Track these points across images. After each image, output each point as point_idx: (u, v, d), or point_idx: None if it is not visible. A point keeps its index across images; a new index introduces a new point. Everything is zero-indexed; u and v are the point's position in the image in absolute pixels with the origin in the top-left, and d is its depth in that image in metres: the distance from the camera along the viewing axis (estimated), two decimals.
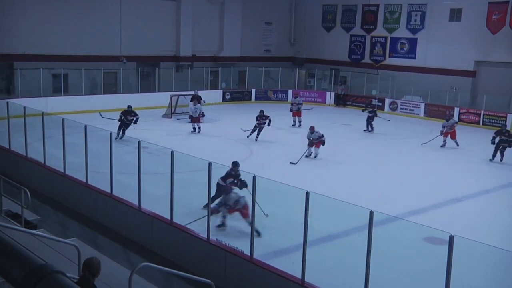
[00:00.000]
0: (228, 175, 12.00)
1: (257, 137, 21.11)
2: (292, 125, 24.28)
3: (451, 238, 6.41)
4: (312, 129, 18.23)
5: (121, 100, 24.64)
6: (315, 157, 17.95)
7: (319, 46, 36.65)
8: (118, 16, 28.86)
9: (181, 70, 31.47)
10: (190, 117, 22.43)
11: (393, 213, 11.06)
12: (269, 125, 20.23)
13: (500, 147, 19.11)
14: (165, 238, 10.65)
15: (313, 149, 18.26)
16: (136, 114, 19.77)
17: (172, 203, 10.11)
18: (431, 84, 30.75)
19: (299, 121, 24.19)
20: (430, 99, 30.27)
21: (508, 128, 22.17)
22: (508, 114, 27.17)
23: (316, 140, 18.06)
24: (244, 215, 10.79)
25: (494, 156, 19.19)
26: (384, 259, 8.95)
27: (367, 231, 7.33)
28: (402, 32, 32.96)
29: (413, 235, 11.32)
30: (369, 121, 24.35)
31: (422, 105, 30.31)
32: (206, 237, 9.57)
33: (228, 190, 11.04)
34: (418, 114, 29.97)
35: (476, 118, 27.76)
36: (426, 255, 10.20)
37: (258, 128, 21.18)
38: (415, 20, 32.09)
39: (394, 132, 24.80)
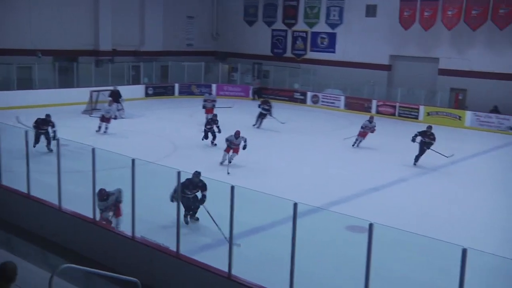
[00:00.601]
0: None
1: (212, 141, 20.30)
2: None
3: (371, 225, 6.65)
4: (237, 134, 17.11)
5: (38, 96, 24.11)
6: (229, 162, 16.65)
7: (242, 40, 37.38)
8: (27, 6, 27.57)
9: (101, 64, 30.88)
10: (102, 115, 21.52)
11: (316, 203, 11.27)
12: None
13: (424, 148, 19.03)
14: (88, 238, 10.39)
15: (230, 154, 17.00)
16: (53, 125, 17.73)
17: (94, 201, 9.91)
18: (350, 77, 31.96)
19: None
20: (350, 92, 31.51)
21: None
22: (421, 106, 29.07)
23: (235, 146, 17.01)
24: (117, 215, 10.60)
25: (417, 159, 18.67)
26: (309, 249, 9.16)
27: (291, 222, 7.48)
28: (321, 27, 34.28)
29: (335, 224, 11.67)
30: (261, 117, 23.79)
31: (342, 98, 31.45)
32: (131, 235, 9.35)
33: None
34: (338, 107, 31.18)
35: (392, 110, 29.56)
36: (348, 243, 10.45)
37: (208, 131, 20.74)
38: (334, 16, 33.50)
39: (315, 125, 25.56)
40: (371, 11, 32.15)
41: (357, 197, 14.97)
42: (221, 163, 17.04)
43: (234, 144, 17.04)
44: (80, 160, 11.12)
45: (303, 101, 32.74)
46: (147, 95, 31.23)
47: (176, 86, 32.85)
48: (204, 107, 23.44)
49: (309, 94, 32.96)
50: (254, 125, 24.06)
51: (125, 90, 27.29)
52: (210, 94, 24.86)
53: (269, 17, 36.31)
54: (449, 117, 28.41)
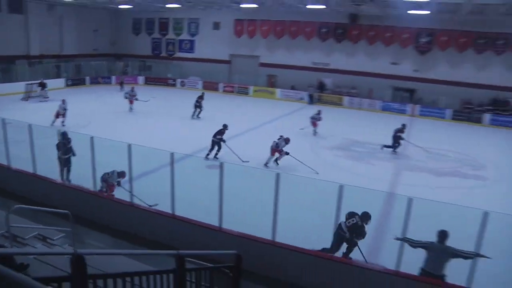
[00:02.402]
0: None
1: (198, 116, 22.99)
2: (130, 110, 25.18)
3: (221, 164, 7.90)
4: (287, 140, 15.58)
5: None
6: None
7: (132, 45, 41.22)
8: None
9: (33, 65, 32.78)
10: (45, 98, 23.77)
11: (186, 152, 13.11)
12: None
13: (398, 142, 18.45)
14: (28, 187, 10.77)
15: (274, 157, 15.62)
16: None
17: (34, 158, 10.77)
18: (205, 68, 36.75)
19: (131, 108, 24.97)
20: (206, 78, 36.36)
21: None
22: (250, 86, 34.50)
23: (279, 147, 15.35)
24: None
25: (392, 147, 18.71)
26: (183, 184, 9.65)
27: (170, 166, 8.48)
28: (185, 36, 38.81)
29: (199, 165, 13.70)
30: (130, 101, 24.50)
31: (200, 82, 36.20)
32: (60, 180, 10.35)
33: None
34: (198, 87, 35.77)
35: (232, 89, 34.98)
36: (209, 178, 10.66)
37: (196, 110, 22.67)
38: (193, 28, 38.60)
39: (184, 101, 28.43)
40: (216, 26, 37.23)
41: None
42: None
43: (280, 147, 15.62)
44: (22, 133, 11.03)
45: (174, 85, 36.99)
46: (66, 85, 33.67)
47: (87, 78, 35.64)
48: (126, 97, 25.23)
49: (178, 80, 37.05)
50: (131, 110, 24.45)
51: (51, 82, 29.66)
52: (132, 91, 25.56)
53: (149, 29, 40.43)
54: (267, 92, 34.25)
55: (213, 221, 8.55)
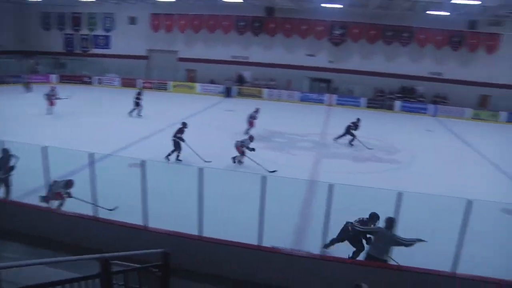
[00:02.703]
0: None
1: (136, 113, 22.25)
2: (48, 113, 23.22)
3: (143, 162, 8.06)
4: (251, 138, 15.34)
5: None
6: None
7: (42, 42, 38.78)
8: None
9: None
10: None
11: (106, 151, 12.89)
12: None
13: (349, 132, 19.19)
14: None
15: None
16: None
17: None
18: (123, 65, 35.83)
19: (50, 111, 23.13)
20: (124, 75, 35.35)
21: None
22: (168, 82, 34.21)
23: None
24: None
25: (341, 137, 19.56)
26: (106, 183, 9.61)
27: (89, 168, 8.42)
28: (100, 31, 37.39)
29: (121, 164, 13.26)
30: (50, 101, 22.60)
31: (118, 79, 35.21)
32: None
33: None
34: (116, 85, 35.12)
35: (151, 85, 34.32)
36: (133, 175, 9.52)
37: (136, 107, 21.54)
38: (108, 23, 37.03)
39: (102, 99, 28.39)
40: (132, 20, 36.25)
41: (131, 146, 16.91)
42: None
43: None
44: None
45: (91, 83, 35.52)
46: None
47: None
48: (48, 99, 23.28)
49: (95, 78, 35.66)
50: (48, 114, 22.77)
51: None
52: (53, 90, 24.07)
53: (61, 25, 38.33)
54: (187, 87, 34.15)
55: (139, 221, 8.43)
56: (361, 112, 27.96)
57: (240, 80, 33.95)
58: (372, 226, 8.10)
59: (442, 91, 31.68)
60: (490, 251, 9.24)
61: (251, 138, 15.14)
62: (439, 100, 31.44)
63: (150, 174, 8.06)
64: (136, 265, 5.78)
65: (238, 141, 15.09)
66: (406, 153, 18.90)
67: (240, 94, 33.36)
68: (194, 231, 8.07)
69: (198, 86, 34.44)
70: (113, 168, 12.61)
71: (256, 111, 20.39)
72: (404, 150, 19.21)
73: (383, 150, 19.24)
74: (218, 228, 8.45)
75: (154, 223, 8.33)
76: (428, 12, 27.47)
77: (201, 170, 7.61)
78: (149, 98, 26.86)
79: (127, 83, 35.25)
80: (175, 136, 15.14)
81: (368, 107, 31.95)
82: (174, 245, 7.33)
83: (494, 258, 8.89)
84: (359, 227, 7.88)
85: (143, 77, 35.62)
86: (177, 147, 15.09)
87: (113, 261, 4.97)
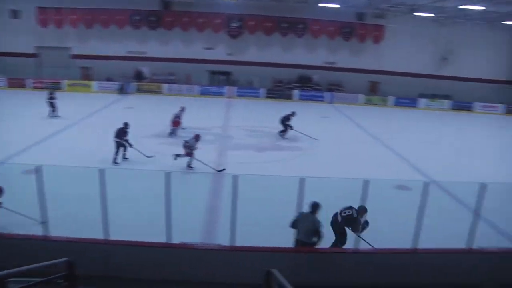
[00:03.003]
0: None
1: None
2: None
3: (38, 167, 7.84)
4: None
5: None
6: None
7: None
8: None
9: None
10: None
11: None
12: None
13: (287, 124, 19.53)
14: None
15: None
16: None
17: None
18: (9, 64, 33.07)
19: None
20: (10, 74, 32.71)
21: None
22: (63, 80, 32.30)
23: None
24: None
25: (284, 131, 20.03)
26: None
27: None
28: None
29: (14, 171, 12.64)
30: None
31: (4, 79, 32.51)
32: None
33: None
34: (2, 86, 32.24)
35: (42, 85, 31.64)
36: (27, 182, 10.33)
37: None
38: None
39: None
40: (15, 14, 33.37)
41: (25, 150, 16.21)
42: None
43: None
44: None
45: None
46: None
47: None
48: None
49: None
50: None
51: None
52: None
53: None
54: (82, 86, 32.56)
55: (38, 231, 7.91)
56: (261, 103, 28.65)
57: (139, 76, 33.17)
58: (360, 218, 8.61)
59: (336, 79, 33.53)
60: (387, 224, 9.96)
61: (197, 137, 14.69)
62: (334, 87, 33.20)
63: (48, 179, 7.78)
64: (38, 279, 5.40)
65: (184, 141, 14.86)
66: (306, 140, 19.83)
67: (139, 91, 32.70)
68: (99, 235, 7.79)
69: (95, 84, 33.07)
70: (6, 175, 11.92)
71: (182, 109, 19.97)
72: (304, 138, 20.04)
73: (285, 139, 20.12)
74: (125, 229, 8.29)
75: (56, 232, 7.99)
76: (320, 4, 28.84)
77: (102, 171, 7.44)
78: (42, 100, 24.90)
79: (15, 83, 32.81)
80: (120, 138, 14.82)
81: (267, 97, 32.73)
82: (79, 252, 6.90)
83: (395, 231, 9.66)
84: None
85: (33, 76, 33.28)
86: (120, 147, 14.99)
87: (10, 279, 4.71)
